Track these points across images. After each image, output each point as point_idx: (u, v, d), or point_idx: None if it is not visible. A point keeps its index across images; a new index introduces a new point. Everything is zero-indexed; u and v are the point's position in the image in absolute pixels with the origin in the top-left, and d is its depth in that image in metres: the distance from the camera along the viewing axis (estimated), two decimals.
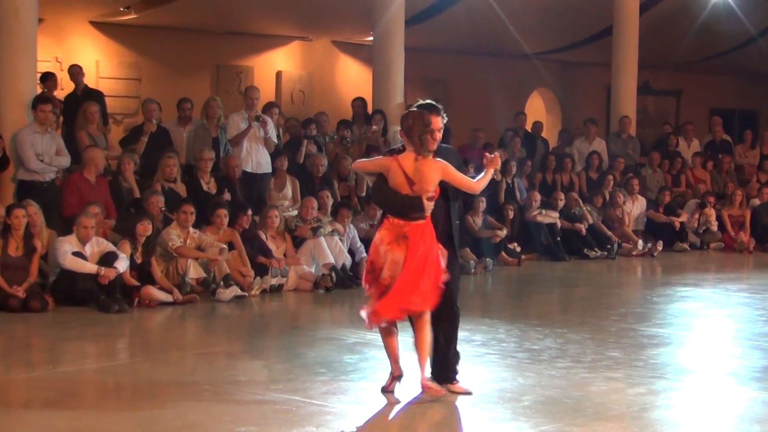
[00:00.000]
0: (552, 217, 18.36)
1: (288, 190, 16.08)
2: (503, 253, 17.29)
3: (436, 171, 8.03)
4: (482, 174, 8.27)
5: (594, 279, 16.59)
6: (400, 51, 18.60)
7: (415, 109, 8.11)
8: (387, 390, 8.10)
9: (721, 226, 20.43)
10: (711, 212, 20.33)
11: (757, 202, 20.92)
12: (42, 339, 11.03)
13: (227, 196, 14.87)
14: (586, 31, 24.35)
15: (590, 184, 20.33)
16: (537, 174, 20.14)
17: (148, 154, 15.40)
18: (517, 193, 18.91)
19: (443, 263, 8.02)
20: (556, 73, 26.66)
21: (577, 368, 9.24)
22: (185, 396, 8.11)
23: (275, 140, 16.37)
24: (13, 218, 12.24)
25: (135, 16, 19.58)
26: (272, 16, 21.14)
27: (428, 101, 8.26)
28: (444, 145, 8.28)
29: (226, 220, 13.81)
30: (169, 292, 12.65)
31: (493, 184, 18.43)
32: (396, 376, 8.10)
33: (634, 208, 19.90)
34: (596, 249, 18.45)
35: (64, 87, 17.69)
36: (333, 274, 14.08)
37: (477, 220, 17.33)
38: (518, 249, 17.68)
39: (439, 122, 8.07)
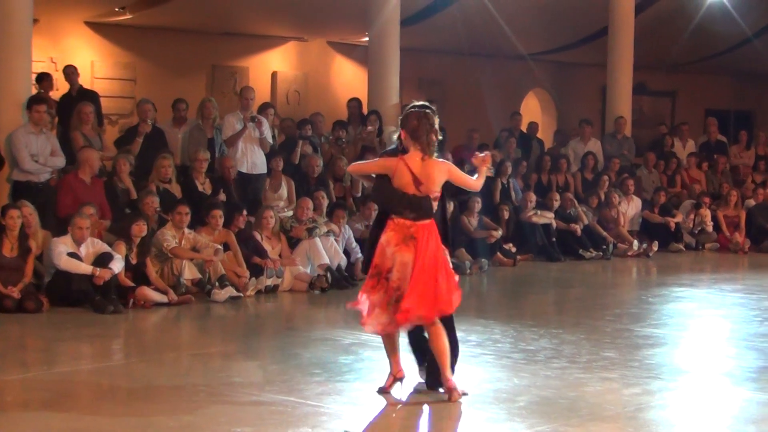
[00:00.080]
0: (547, 217, 18.37)
1: (283, 191, 16.08)
2: (498, 253, 17.29)
3: (443, 171, 8.10)
4: (477, 175, 8.31)
5: (589, 279, 16.60)
6: (396, 52, 18.60)
7: (416, 109, 8.12)
8: (386, 390, 8.11)
9: (717, 227, 20.45)
10: (706, 213, 20.35)
11: (752, 202, 20.96)
12: (37, 340, 11.02)
13: (222, 196, 14.87)
14: (582, 32, 24.37)
15: (585, 184, 20.34)
16: (532, 174, 20.15)
17: (143, 155, 15.38)
18: (513, 194, 18.92)
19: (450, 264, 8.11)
20: (551, 73, 26.69)
21: (572, 369, 9.24)
22: (180, 397, 8.10)
23: (270, 141, 16.36)
24: (7, 219, 12.24)
25: (130, 16, 19.56)
26: (267, 17, 21.14)
27: (422, 102, 8.28)
28: None
29: (221, 221, 13.80)
30: (164, 292, 12.65)
31: (488, 185, 18.50)
32: (398, 377, 8.12)
33: (630, 208, 19.91)
34: (591, 249, 18.46)
35: (59, 87, 17.67)
36: (328, 275, 14.07)
37: (472, 221, 17.33)
38: (513, 249, 17.69)
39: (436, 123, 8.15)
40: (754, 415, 7.94)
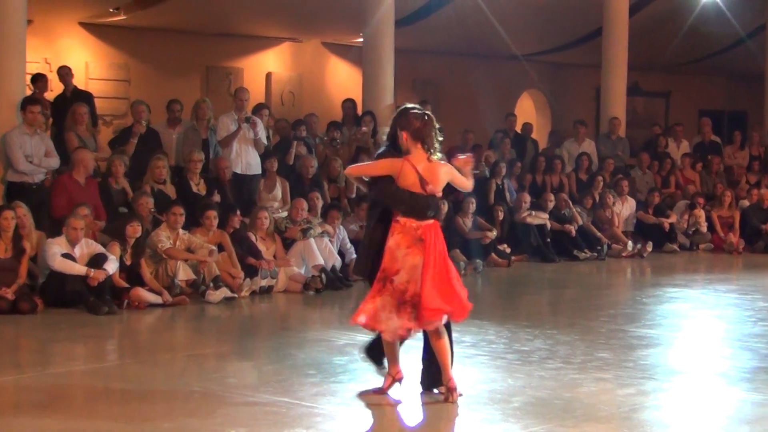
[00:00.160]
0: (542, 218, 18.38)
1: (278, 192, 16.08)
2: (493, 254, 17.30)
3: (446, 172, 8.15)
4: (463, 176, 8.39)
5: (584, 280, 16.60)
6: (390, 52, 18.61)
7: (416, 111, 8.15)
8: (384, 391, 8.11)
9: (711, 227, 20.48)
10: (700, 213, 20.37)
11: (746, 203, 20.98)
12: (31, 341, 11.00)
13: (217, 197, 14.87)
14: (576, 33, 24.41)
15: (580, 185, 20.35)
16: (527, 175, 20.16)
17: (137, 156, 15.37)
18: (507, 195, 18.93)
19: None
20: (545, 74, 26.73)
21: (566, 369, 9.24)
22: (175, 398, 8.09)
23: (265, 141, 16.36)
24: (2, 220, 12.22)
25: (124, 17, 19.58)
26: (262, 18, 21.15)
27: (413, 105, 8.33)
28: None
29: (215, 222, 13.80)
30: (159, 293, 12.64)
31: (482, 186, 18.54)
32: (397, 378, 8.14)
33: (624, 209, 19.92)
34: (586, 250, 18.47)
35: (53, 88, 17.66)
36: (323, 276, 14.06)
37: (467, 222, 17.34)
38: (508, 250, 17.70)
39: None
40: (749, 416, 7.94)
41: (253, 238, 14.19)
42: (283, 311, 13.32)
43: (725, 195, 20.75)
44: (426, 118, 8.06)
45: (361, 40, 19.66)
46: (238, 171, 15.86)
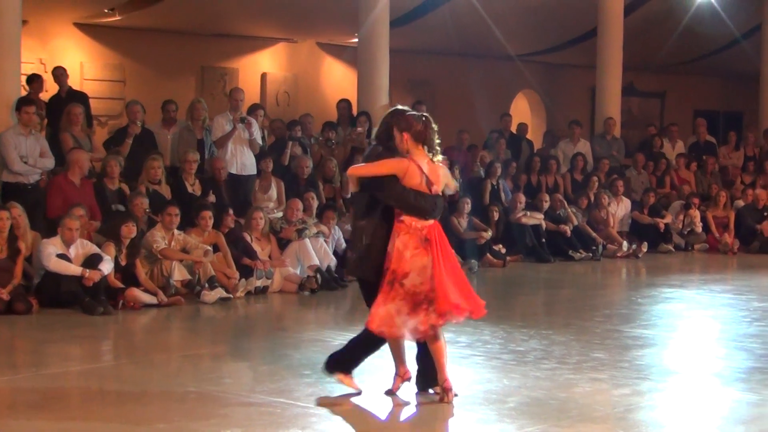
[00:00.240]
0: (537, 218, 18.38)
1: (273, 192, 16.07)
2: (488, 254, 17.30)
3: (444, 174, 8.21)
4: None
5: (579, 280, 16.62)
6: (385, 53, 18.62)
7: (413, 113, 8.18)
8: (393, 392, 8.13)
9: (706, 228, 20.49)
10: (695, 213, 20.38)
11: (741, 203, 21.00)
12: (26, 341, 11.00)
13: (212, 197, 14.86)
14: (571, 33, 24.43)
15: (575, 185, 20.36)
16: (522, 175, 20.15)
17: (132, 156, 15.35)
18: (502, 195, 18.93)
19: None
20: (540, 74, 26.73)
21: (562, 369, 9.25)
22: (170, 398, 8.09)
23: (260, 142, 16.36)
24: None
25: (119, 17, 19.56)
26: (257, 18, 21.14)
27: (404, 107, 8.36)
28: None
29: (210, 222, 13.79)
30: (154, 294, 12.63)
31: (478, 186, 18.56)
32: (406, 378, 8.15)
33: (619, 209, 19.93)
34: (581, 250, 18.47)
35: (48, 89, 17.65)
36: (318, 276, 14.06)
37: (462, 222, 17.34)
38: (503, 250, 17.70)
39: None
40: (744, 416, 7.96)
41: (248, 238, 14.19)
42: (279, 312, 13.32)
43: (720, 195, 20.77)
44: (425, 120, 8.10)
45: (356, 40, 19.66)
46: (234, 171, 15.85)
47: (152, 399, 8.10)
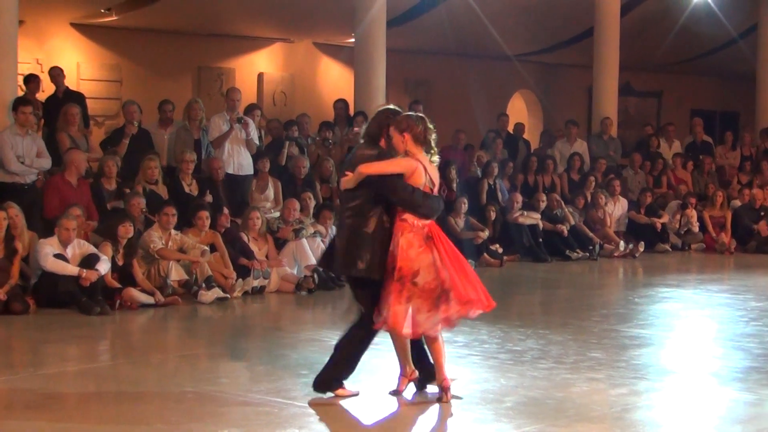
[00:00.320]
0: (534, 218, 18.39)
1: (270, 192, 16.07)
2: (485, 254, 17.30)
3: (438, 176, 8.26)
4: None
5: (576, 280, 16.62)
6: (382, 52, 18.61)
7: (414, 114, 8.22)
8: (399, 392, 8.14)
9: (703, 227, 20.50)
10: (692, 213, 20.39)
11: (738, 203, 21.01)
12: (23, 341, 11.00)
13: (209, 197, 14.85)
14: (568, 33, 24.43)
15: (572, 185, 20.36)
16: (519, 175, 20.16)
17: (129, 156, 15.35)
18: (499, 195, 18.93)
19: None
20: (537, 74, 26.74)
21: (559, 369, 9.25)
22: (167, 398, 8.09)
23: (257, 142, 16.36)
24: None
25: (116, 17, 19.55)
26: (254, 18, 21.14)
27: (395, 107, 8.38)
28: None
29: (207, 222, 13.79)
30: (151, 294, 12.63)
31: (475, 186, 18.56)
32: (412, 378, 8.17)
33: (616, 209, 19.94)
34: (578, 250, 18.48)
35: (45, 89, 17.64)
36: (315, 276, 14.05)
37: (459, 222, 17.35)
38: (500, 250, 17.70)
39: None
40: (741, 416, 7.96)
41: (245, 238, 14.19)
42: (276, 311, 13.32)
43: (717, 195, 20.78)
44: (423, 120, 8.16)
45: (352, 40, 19.66)
46: (230, 171, 15.85)
47: (150, 399, 8.11)
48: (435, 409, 7.92)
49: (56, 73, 17.11)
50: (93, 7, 19.31)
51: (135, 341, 11.37)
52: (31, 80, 16.84)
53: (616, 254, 18.85)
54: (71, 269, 12.15)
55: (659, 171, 21.76)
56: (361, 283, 8.12)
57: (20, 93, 15.53)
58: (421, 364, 8.24)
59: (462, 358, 9.53)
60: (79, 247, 12.52)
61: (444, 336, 8.26)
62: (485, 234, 17.39)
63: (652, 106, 29.65)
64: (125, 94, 19.95)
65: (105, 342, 11.06)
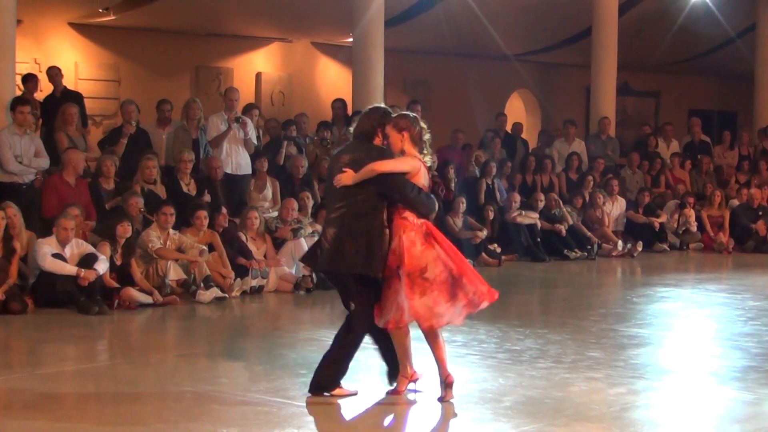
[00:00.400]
0: (532, 218, 18.39)
1: (268, 192, 16.07)
2: (483, 254, 17.30)
3: (429, 175, 8.33)
4: None
5: (574, 280, 16.62)
6: (380, 52, 18.61)
7: (409, 114, 8.25)
8: (399, 393, 8.13)
9: (701, 227, 20.51)
10: (690, 213, 20.41)
11: (736, 202, 21.02)
12: (22, 341, 10.99)
13: (207, 197, 14.85)
14: (566, 33, 24.42)
15: (570, 185, 20.37)
16: (517, 175, 20.17)
17: (127, 156, 15.36)
18: (497, 194, 18.94)
19: None
20: (535, 74, 26.72)
21: (557, 369, 9.25)
22: (166, 398, 8.09)
23: (255, 141, 16.35)
24: None
25: (114, 17, 19.53)
26: (252, 18, 21.13)
27: (386, 107, 8.41)
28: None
29: (206, 222, 13.79)
30: (149, 293, 12.63)
31: (473, 185, 18.56)
32: (413, 379, 8.17)
33: (614, 208, 19.94)
34: (576, 250, 18.48)
35: (43, 88, 17.63)
36: (313, 276, 14.04)
37: (457, 221, 17.35)
38: (498, 250, 17.70)
39: None
40: (739, 415, 7.96)
41: (243, 238, 14.19)
42: (274, 311, 13.32)
43: (715, 195, 20.80)
44: (416, 119, 8.22)
45: (351, 40, 19.65)
46: (229, 171, 15.84)
47: (148, 399, 8.10)
48: (434, 408, 7.91)
49: (54, 73, 17.09)
50: (91, 7, 19.30)
51: (133, 341, 11.37)
52: (29, 80, 16.83)
53: (614, 254, 18.86)
54: (69, 269, 12.14)
55: (657, 171, 21.77)
56: (360, 281, 8.07)
57: (18, 92, 15.52)
58: (388, 359, 8.27)
59: (460, 358, 9.53)
60: (77, 247, 12.52)
61: (444, 335, 8.27)
62: (483, 234, 17.39)
63: (650, 106, 29.65)
64: (123, 93, 19.94)
65: (103, 342, 11.06)
